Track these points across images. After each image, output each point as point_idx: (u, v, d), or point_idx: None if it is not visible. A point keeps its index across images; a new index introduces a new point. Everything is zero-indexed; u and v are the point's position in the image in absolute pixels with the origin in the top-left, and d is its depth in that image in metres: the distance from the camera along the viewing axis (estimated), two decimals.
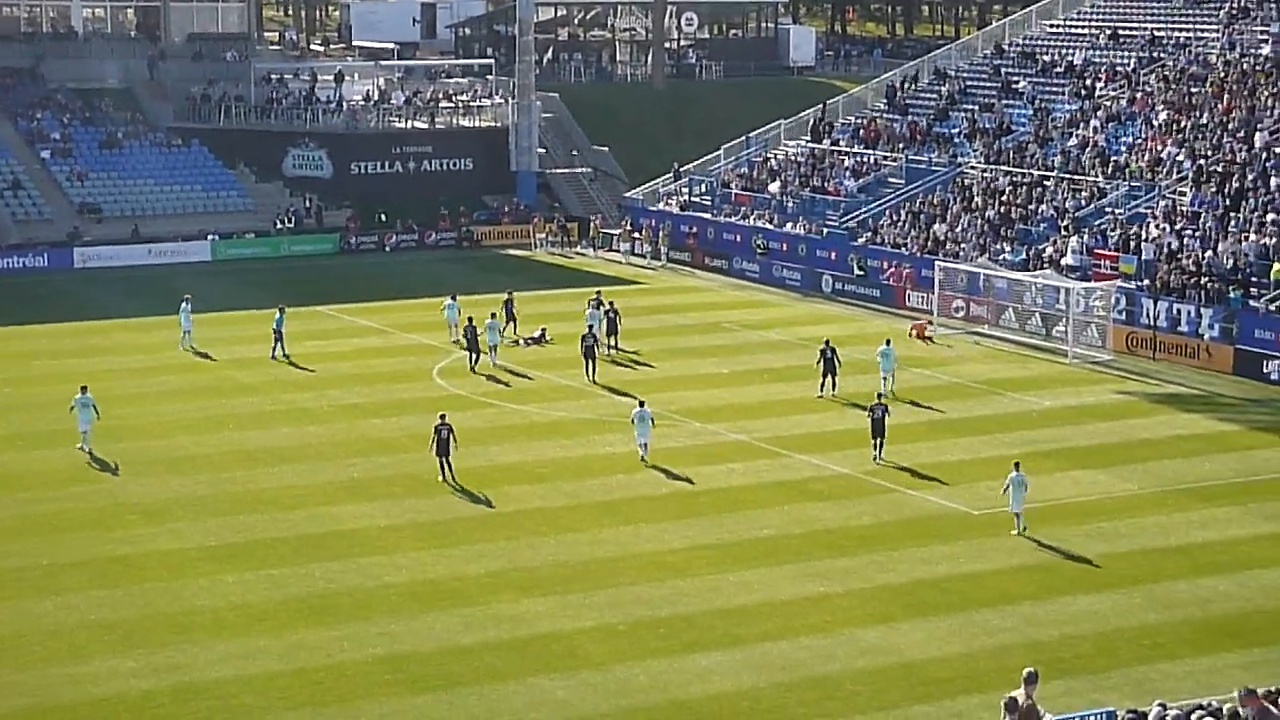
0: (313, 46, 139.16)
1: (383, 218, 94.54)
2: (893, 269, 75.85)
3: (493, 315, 62.50)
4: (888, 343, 60.41)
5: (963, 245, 75.38)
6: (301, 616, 38.18)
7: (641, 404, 51.67)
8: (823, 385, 58.02)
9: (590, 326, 63.72)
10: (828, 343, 59.36)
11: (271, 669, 35.34)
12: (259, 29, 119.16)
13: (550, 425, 55.11)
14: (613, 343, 65.26)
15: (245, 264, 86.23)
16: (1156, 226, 70.17)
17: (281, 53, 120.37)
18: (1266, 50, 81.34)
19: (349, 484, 48.38)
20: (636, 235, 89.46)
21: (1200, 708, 25.36)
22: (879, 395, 54.62)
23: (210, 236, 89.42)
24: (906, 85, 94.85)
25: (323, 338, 68.05)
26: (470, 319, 63.37)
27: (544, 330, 67.46)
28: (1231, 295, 63.92)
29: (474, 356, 62.61)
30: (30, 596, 39.39)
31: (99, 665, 35.41)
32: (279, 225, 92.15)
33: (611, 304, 66.18)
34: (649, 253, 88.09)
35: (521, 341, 66.54)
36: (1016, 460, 46.02)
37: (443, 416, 49.09)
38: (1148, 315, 66.08)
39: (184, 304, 67.30)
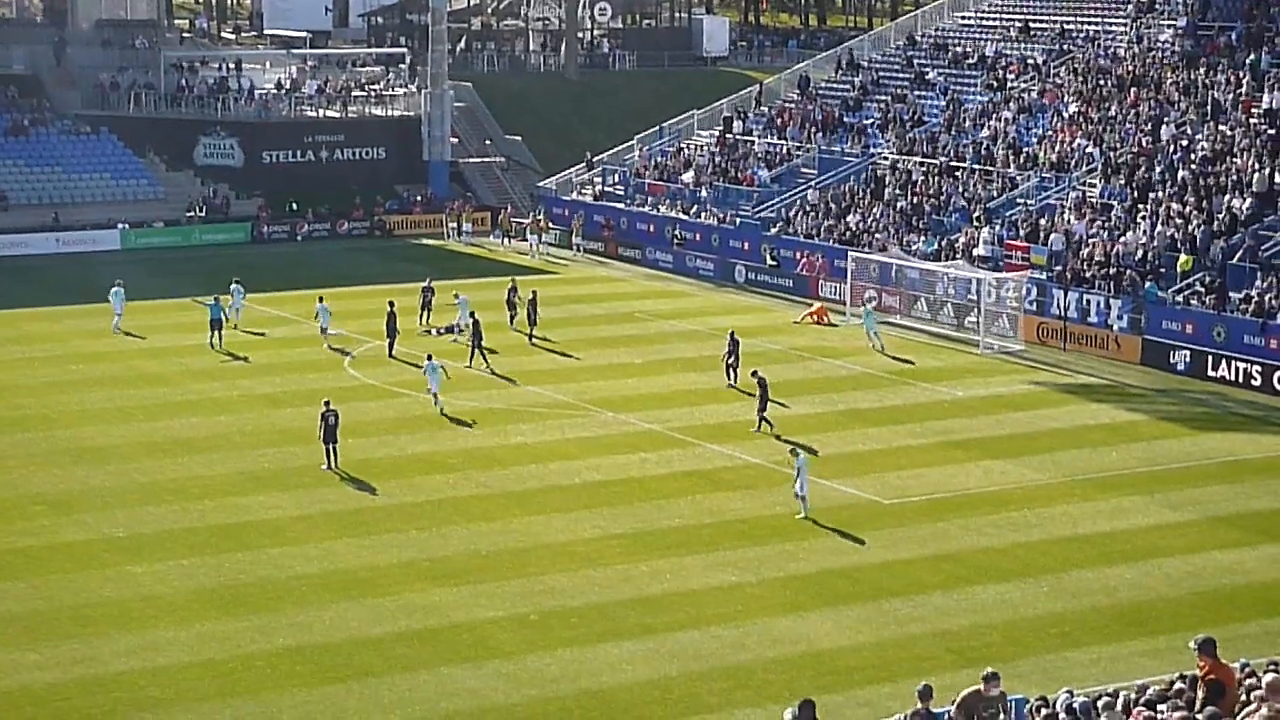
0: (224, 34, 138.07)
1: (293, 207, 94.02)
2: (805, 259, 76.05)
3: (430, 357, 60.61)
4: (867, 302, 66.56)
5: (875, 235, 75.67)
6: (210, 608, 37.93)
7: (430, 357, 55.29)
8: (730, 376, 58.15)
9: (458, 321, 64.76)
10: (732, 334, 59.52)
11: (180, 660, 35.09)
12: (169, 16, 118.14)
13: (462, 415, 54.92)
14: (531, 331, 65.27)
15: (156, 253, 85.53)
16: (1066, 217, 70.65)
17: (192, 40, 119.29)
18: (1172, 43, 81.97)
19: (259, 474, 48.08)
20: (552, 225, 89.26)
21: (1108, 695, 25.52)
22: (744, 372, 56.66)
23: (120, 225, 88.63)
24: (818, 76, 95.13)
25: (231, 326, 67.54)
26: (391, 303, 63.10)
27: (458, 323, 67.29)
28: (1148, 286, 64.31)
29: (391, 342, 62.33)
30: None
31: (4, 658, 35.06)
32: (190, 214, 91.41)
33: (534, 293, 66.21)
34: (560, 244, 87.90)
35: (434, 331, 66.33)
36: (793, 447, 46.26)
37: (327, 403, 48.89)
38: (1058, 306, 66.54)
39: (116, 287, 67.46)
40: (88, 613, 37.56)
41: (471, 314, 62.82)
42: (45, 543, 42.17)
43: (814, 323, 69.60)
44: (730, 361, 58.27)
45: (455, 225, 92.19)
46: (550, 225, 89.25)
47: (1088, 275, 66.57)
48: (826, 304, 71.56)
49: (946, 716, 26.70)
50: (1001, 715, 25.61)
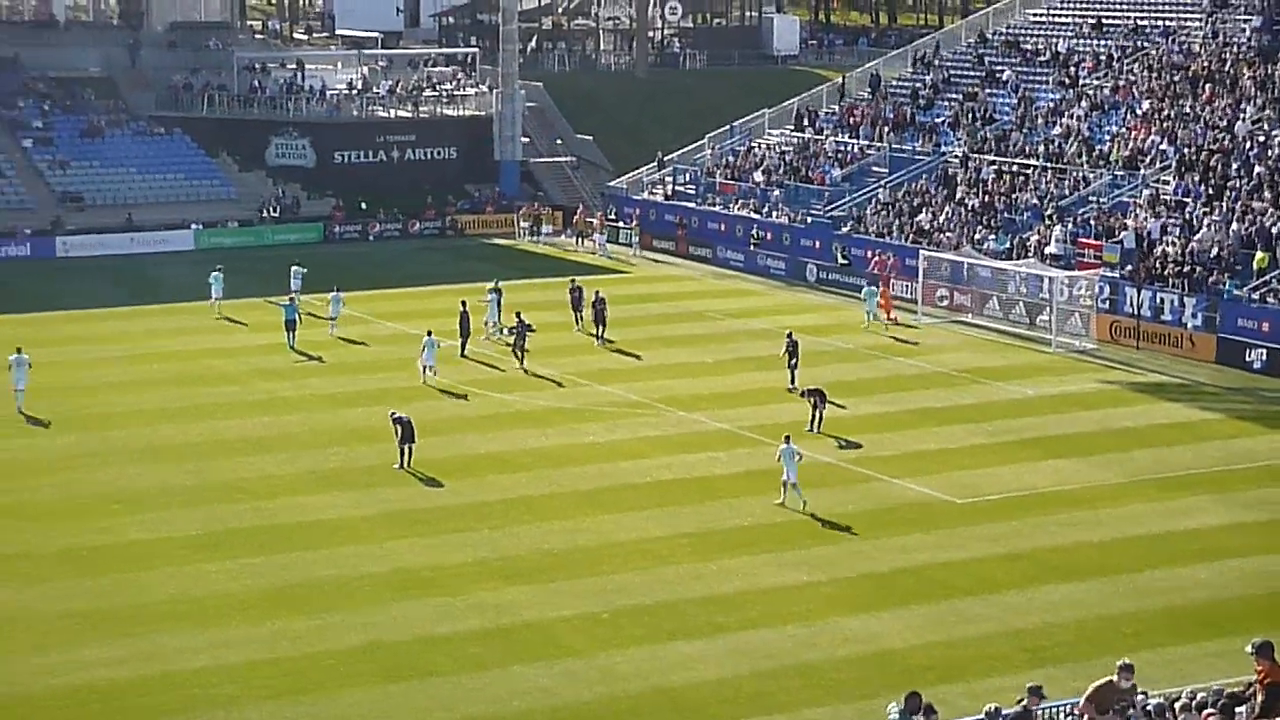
0: (296, 35, 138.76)
1: (364, 206, 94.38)
2: (877, 258, 75.85)
3: (429, 332, 61.05)
4: (871, 283, 68.48)
5: (946, 234, 75.37)
6: (281, 606, 38.11)
7: (429, 333, 58.36)
8: (792, 378, 57.92)
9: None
10: (790, 335, 59.28)
11: (250, 658, 35.27)
12: (241, 17, 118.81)
13: (532, 414, 55.04)
14: (599, 332, 65.21)
15: (229, 253, 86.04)
16: (1140, 215, 70.19)
17: (264, 41, 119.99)
18: (1248, 37, 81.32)
19: (329, 474, 48.27)
20: (622, 225, 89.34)
21: (1186, 696, 25.32)
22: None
23: (193, 226, 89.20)
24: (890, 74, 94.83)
25: (305, 326, 67.82)
26: (464, 302, 63.31)
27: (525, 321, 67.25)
28: (1225, 285, 63.78)
29: (464, 342, 62.47)
30: (11, 585, 39.32)
31: (81, 654, 35.34)
32: (265, 214, 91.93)
33: (597, 293, 66.15)
34: (630, 243, 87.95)
35: (505, 331, 66.42)
36: (787, 434, 46.29)
37: (392, 414, 49.07)
38: (1131, 304, 66.08)
39: (216, 272, 69.71)
40: (160, 610, 37.81)
41: (517, 314, 62.51)
42: (119, 540, 42.48)
43: (885, 314, 69.52)
44: (791, 364, 58.01)
45: (528, 225, 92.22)
46: (620, 224, 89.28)
47: (1161, 273, 66.08)
48: (897, 301, 71.22)
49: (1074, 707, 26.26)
50: (1132, 710, 25.15)
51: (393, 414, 49.04)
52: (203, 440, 51.67)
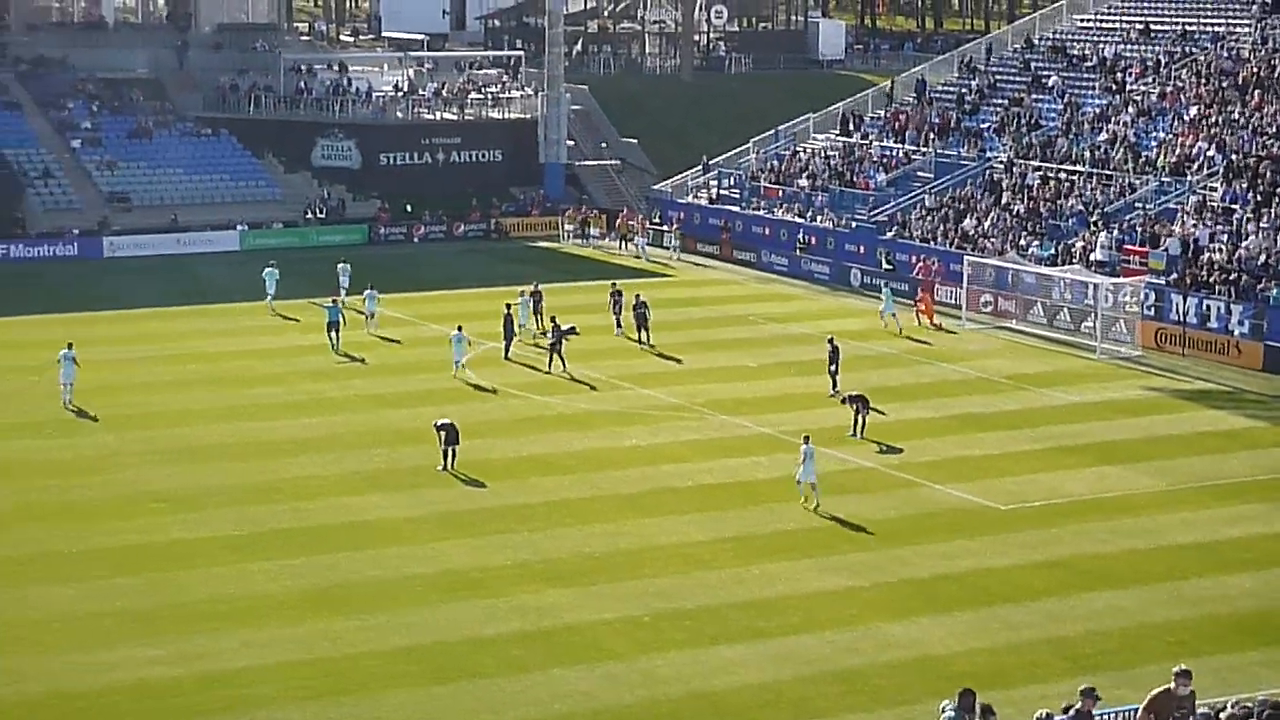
0: (342, 37, 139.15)
1: (409, 209, 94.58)
2: (921, 263, 75.66)
3: (459, 328, 61.52)
4: (885, 284, 71.39)
5: (991, 240, 75.14)
6: (323, 607, 38.17)
7: (459, 328, 59.54)
8: (834, 385, 57.70)
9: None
10: (831, 340, 59.07)
11: (293, 659, 35.34)
12: (288, 19, 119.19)
13: (574, 417, 55.05)
14: (642, 336, 65.13)
15: (274, 254, 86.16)
16: (1187, 222, 69.87)
17: (311, 43, 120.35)
18: None
19: (372, 474, 48.37)
20: (664, 228, 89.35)
21: (1233, 707, 25.09)
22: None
23: (239, 226, 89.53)
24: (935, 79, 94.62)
25: (350, 327, 68.03)
26: (509, 305, 63.40)
27: (572, 325, 67.20)
28: (1273, 292, 63.40)
29: (507, 346, 62.50)
30: (54, 583, 39.47)
31: (122, 653, 35.46)
32: (310, 215, 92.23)
33: (638, 296, 66.07)
34: (675, 246, 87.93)
35: (550, 333, 66.37)
36: (807, 434, 46.35)
37: (435, 423, 49.13)
38: (1177, 311, 65.79)
39: (269, 268, 71.51)
40: (204, 609, 37.91)
41: (552, 318, 62.53)
42: (162, 540, 42.61)
43: (924, 316, 69.43)
44: (831, 370, 57.80)
45: (572, 228, 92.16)
46: (662, 228, 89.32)
47: (1207, 280, 65.75)
48: (939, 306, 70.98)
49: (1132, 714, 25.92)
50: (1191, 718, 24.80)
51: (436, 422, 49.08)
52: (246, 440, 51.81)
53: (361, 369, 61.59)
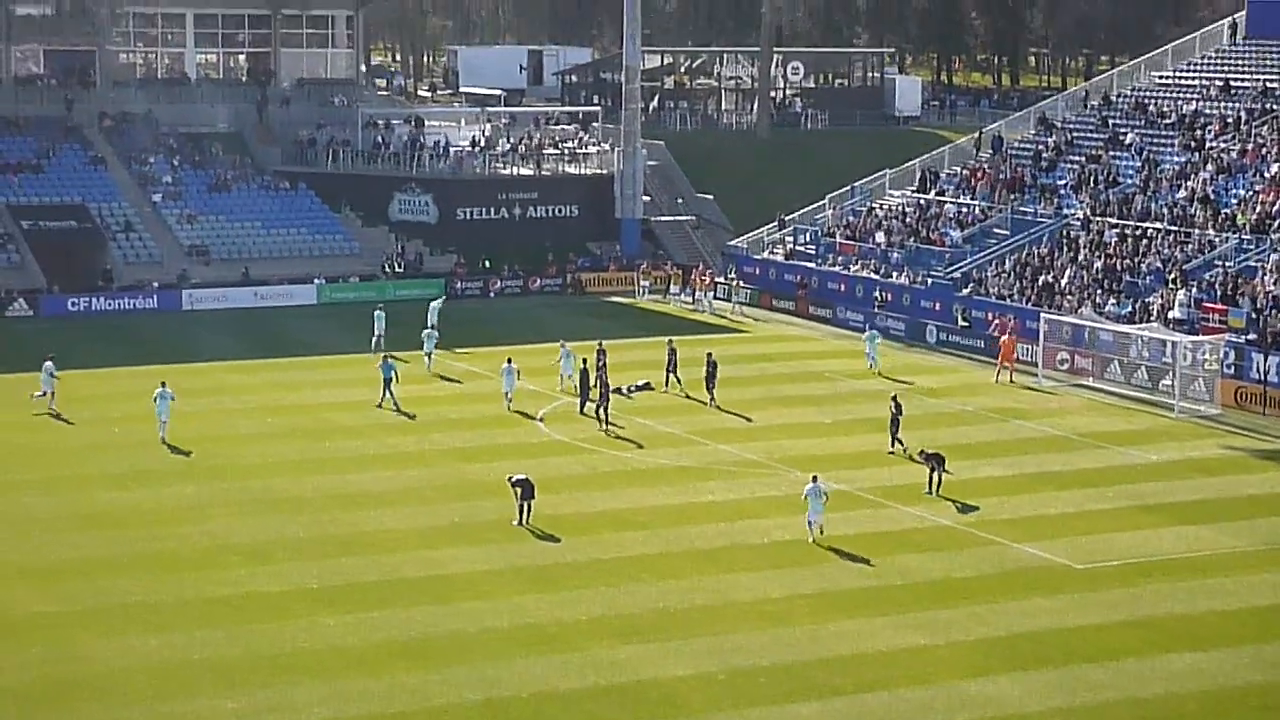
0: (420, 92, 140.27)
1: (487, 264, 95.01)
2: (997, 320, 75.47)
3: (510, 360, 62.54)
4: (871, 326, 75.92)
5: (1068, 297, 74.88)
6: (400, 659, 38.31)
7: (510, 360, 63.03)
8: (892, 442, 57.58)
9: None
10: (895, 398, 59.00)
11: (370, 711, 35.47)
12: (366, 74, 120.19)
13: (651, 472, 55.12)
14: (710, 394, 64.86)
15: (350, 308, 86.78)
16: (1267, 279, 69.45)
17: (388, 98, 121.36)
18: None
19: (450, 528, 48.54)
20: (743, 284, 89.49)
21: None
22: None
23: (316, 280, 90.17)
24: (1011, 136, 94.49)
25: (426, 381, 68.41)
26: (585, 360, 63.58)
27: (646, 380, 67.32)
28: None
29: (583, 399, 62.62)
30: (135, 633, 39.77)
31: (201, 704, 35.69)
32: (387, 270, 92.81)
33: (710, 355, 65.81)
34: (750, 302, 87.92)
35: (624, 390, 66.48)
36: (815, 474, 47.65)
37: (510, 478, 49.32)
38: (1257, 369, 65.38)
39: (378, 311, 74.52)
40: (281, 662, 38.11)
41: (584, 367, 62.95)
42: (241, 592, 42.88)
43: (1004, 367, 69.56)
44: (893, 428, 57.68)
45: (647, 284, 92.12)
46: (719, 280, 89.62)
47: None
48: (1017, 362, 70.72)
49: None
50: None
51: (510, 478, 49.24)
52: (325, 493, 52.09)
53: (439, 422, 61.72)
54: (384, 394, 63.66)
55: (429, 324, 73.16)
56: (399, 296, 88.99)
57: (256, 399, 65.54)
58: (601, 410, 61.03)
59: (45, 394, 62.45)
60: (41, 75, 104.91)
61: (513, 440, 58.61)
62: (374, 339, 73.48)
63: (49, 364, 63.10)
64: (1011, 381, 69.20)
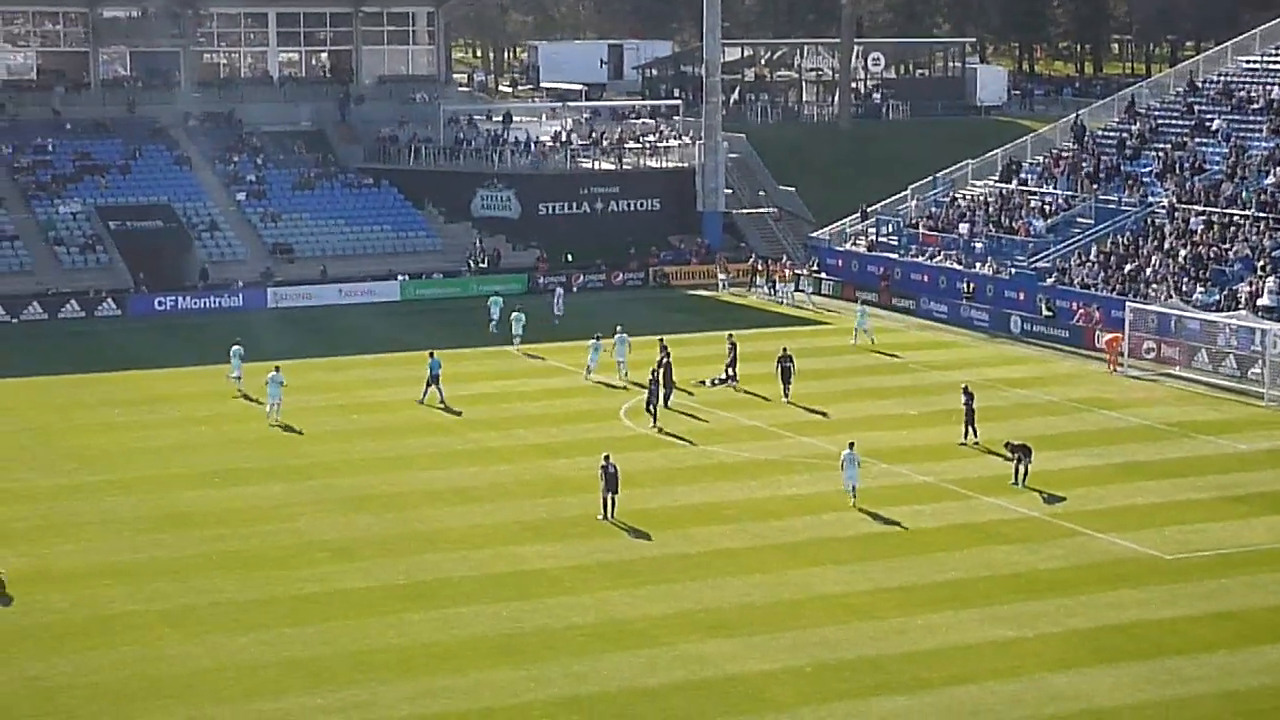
0: (501, 88, 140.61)
1: (569, 258, 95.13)
2: (1082, 310, 74.94)
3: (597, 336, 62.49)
4: (861, 302, 78.00)
5: (1153, 286, 74.30)
6: (487, 656, 38.44)
7: (598, 336, 65.05)
8: (965, 433, 57.27)
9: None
10: (966, 388, 58.62)
11: (458, 708, 35.62)
12: (448, 71, 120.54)
13: (736, 466, 55.09)
14: (785, 391, 64.42)
15: (434, 304, 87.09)
16: None
17: (470, 94, 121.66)
18: None
19: (535, 524, 48.66)
20: (825, 275, 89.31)
21: None
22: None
23: (399, 277, 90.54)
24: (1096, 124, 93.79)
25: (510, 377, 68.60)
26: (668, 352, 63.50)
27: (726, 374, 67.23)
28: None
29: (667, 394, 62.48)
30: (225, 632, 40.07)
31: (289, 702, 35.92)
32: (470, 265, 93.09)
33: (784, 350, 65.57)
34: (832, 294, 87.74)
35: (709, 382, 66.47)
36: (851, 441, 49.52)
37: (607, 456, 49.20)
38: None
39: (495, 297, 78.77)
40: (369, 659, 38.30)
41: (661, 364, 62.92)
42: (328, 589, 43.12)
43: (1111, 361, 69.20)
44: (966, 418, 57.36)
45: (725, 277, 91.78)
46: (799, 273, 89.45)
47: None
48: (1099, 353, 70.23)
49: None
50: None
51: (604, 464, 49.05)
52: (411, 490, 52.31)
53: (524, 418, 61.78)
54: (426, 390, 63.72)
55: (493, 318, 76.17)
56: (481, 292, 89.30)
57: (343, 396, 65.84)
58: (652, 406, 60.62)
59: (239, 377, 65.02)
60: (128, 77, 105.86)
61: (596, 436, 58.55)
62: (491, 324, 76.22)
63: (237, 348, 65.53)
64: (1114, 373, 68.56)
